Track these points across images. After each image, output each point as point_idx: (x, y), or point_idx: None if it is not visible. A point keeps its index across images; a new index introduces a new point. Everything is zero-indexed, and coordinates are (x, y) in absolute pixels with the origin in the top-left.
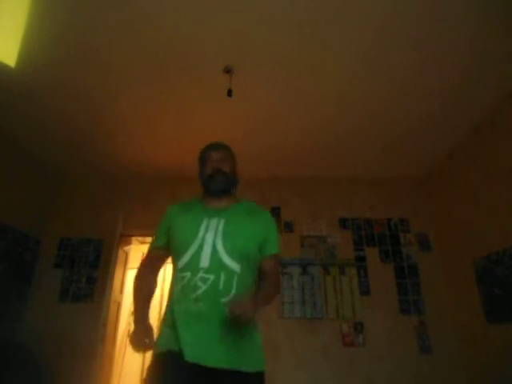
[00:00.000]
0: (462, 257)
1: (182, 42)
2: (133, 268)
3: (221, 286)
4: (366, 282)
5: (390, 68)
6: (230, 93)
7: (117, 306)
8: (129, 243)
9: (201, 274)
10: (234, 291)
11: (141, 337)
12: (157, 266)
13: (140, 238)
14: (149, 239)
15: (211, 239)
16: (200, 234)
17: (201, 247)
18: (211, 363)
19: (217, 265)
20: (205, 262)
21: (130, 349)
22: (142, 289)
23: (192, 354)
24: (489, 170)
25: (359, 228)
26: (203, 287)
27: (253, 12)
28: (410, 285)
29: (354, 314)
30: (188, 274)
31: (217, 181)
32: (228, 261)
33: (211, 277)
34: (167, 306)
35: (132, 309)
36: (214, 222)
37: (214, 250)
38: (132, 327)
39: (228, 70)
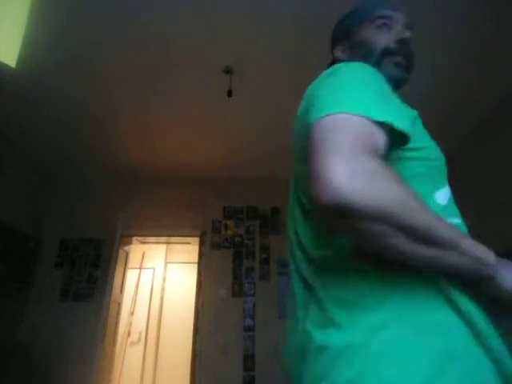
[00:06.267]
0: None
1: (182, 43)
2: (133, 268)
3: None
4: None
5: None
6: (229, 93)
7: (117, 306)
8: (129, 243)
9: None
10: None
11: None
12: None
13: (140, 238)
14: (150, 239)
15: None
16: None
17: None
18: None
19: None
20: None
21: (130, 349)
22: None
23: None
24: (488, 171)
25: None
26: None
27: (253, 12)
28: None
29: None
30: (462, 223)
31: (405, 65)
32: None
33: None
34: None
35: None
36: None
37: None
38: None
39: (228, 70)
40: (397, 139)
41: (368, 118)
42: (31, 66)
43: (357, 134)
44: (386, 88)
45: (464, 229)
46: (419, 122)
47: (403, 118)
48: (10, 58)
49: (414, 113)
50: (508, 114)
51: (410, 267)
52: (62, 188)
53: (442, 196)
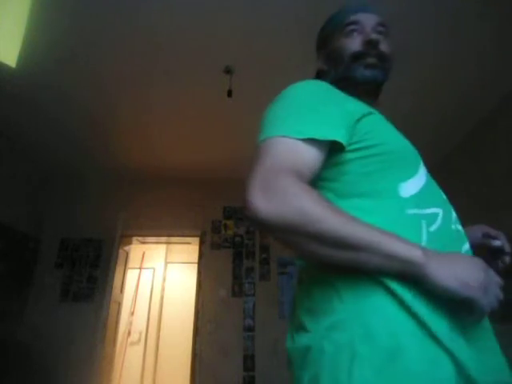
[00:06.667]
0: None
1: (182, 43)
2: (133, 268)
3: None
4: None
5: None
6: (229, 93)
7: (117, 306)
8: (129, 243)
9: (453, 213)
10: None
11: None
12: None
13: (140, 238)
14: (150, 239)
15: None
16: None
17: (422, 168)
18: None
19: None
20: (438, 191)
21: (130, 349)
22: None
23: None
24: (488, 171)
25: None
26: (463, 233)
27: (253, 12)
28: None
29: None
30: (440, 212)
31: (377, 65)
32: None
33: (454, 215)
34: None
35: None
36: None
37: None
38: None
39: (228, 70)
40: (337, 144)
41: (293, 138)
42: (31, 66)
43: (278, 157)
44: (326, 99)
45: (444, 218)
46: (372, 120)
47: (332, 127)
48: (10, 58)
49: (360, 112)
50: (508, 113)
51: (358, 270)
52: (62, 188)
53: (410, 186)
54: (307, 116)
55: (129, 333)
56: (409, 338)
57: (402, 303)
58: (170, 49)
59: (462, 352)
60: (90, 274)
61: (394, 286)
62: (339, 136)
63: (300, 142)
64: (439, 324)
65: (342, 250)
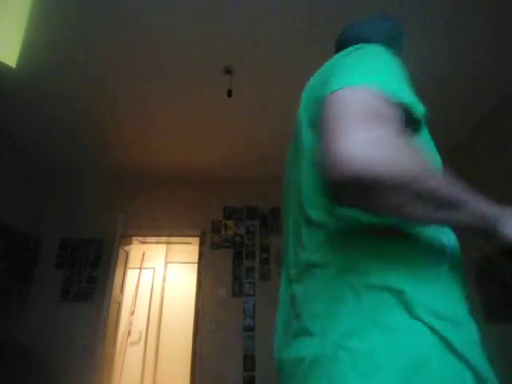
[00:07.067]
0: (462, 256)
1: (182, 43)
2: (133, 268)
3: None
4: None
5: None
6: (229, 93)
7: (117, 306)
8: (129, 243)
9: None
10: None
11: None
12: None
13: (140, 238)
14: (150, 239)
15: None
16: None
17: None
18: None
19: None
20: None
21: (130, 349)
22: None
23: None
24: (488, 171)
25: None
26: None
27: (253, 12)
28: None
29: None
30: None
31: None
32: None
33: None
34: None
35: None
36: None
37: None
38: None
39: (228, 71)
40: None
41: (389, 95)
42: (31, 67)
43: (377, 106)
44: (406, 76)
45: None
46: None
47: (419, 105)
48: (10, 58)
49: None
50: (507, 113)
51: (380, 276)
52: (62, 188)
53: None
54: (402, 82)
55: (129, 333)
56: (429, 349)
57: (422, 319)
58: (170, 49)
59: (481, 364)
60: (90, 274)
61: (411, 294)
62: (423, 116)
63: (394, 103)
64: (455, 334)
65: (442, 208)
